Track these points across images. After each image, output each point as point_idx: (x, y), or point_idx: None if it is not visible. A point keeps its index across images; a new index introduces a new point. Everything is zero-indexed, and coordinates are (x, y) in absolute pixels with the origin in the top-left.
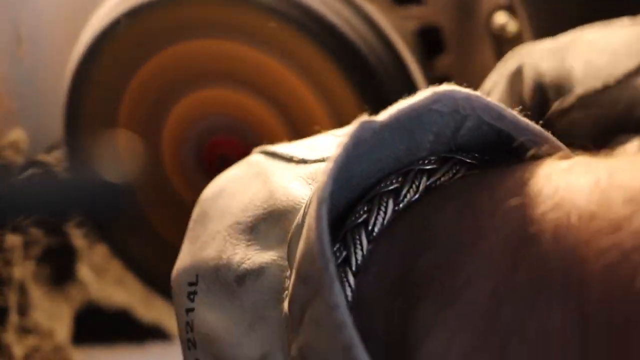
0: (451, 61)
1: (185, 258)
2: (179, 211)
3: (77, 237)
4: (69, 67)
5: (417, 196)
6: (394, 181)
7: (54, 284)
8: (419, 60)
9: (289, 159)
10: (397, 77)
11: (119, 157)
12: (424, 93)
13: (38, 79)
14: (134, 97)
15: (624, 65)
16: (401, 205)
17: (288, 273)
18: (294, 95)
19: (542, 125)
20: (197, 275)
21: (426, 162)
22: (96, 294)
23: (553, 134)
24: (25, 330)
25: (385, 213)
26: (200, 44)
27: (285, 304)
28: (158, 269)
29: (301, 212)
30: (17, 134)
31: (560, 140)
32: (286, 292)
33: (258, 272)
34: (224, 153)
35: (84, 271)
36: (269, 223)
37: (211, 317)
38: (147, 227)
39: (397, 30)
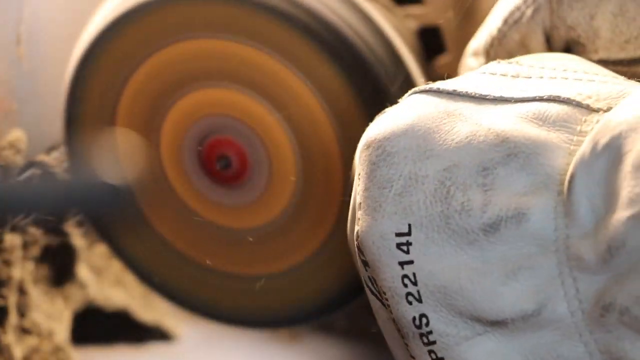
0: (451, 61)
1: (377, 208)
2: (178, 211)
3: (77, 237)
4: (68, 68)
5: None
6: None
7: (53, 284)
8: (419, 60)
9: (482, 98)
10: (397, 77)
11: (118, 157)
12: None
13: (38, 80)
14: (134, 97)
15: None
16: None
17: (564, 221)
18: (293, 95)
19: None
20: (409, 225)
21: None
22: (96, 294)
23: None
24: (24, 331)
25: None
26: (200, 44)
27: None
28: (158, 269)
29: (579, 154)
30: (17, 135)
31: None
32: (565, 241)
33: (518, 218)
34: (224, 153)
35: (83, 271)
36: (512, 167)
37: (444, 268)
38: (147, 227)
39: (397, 30)
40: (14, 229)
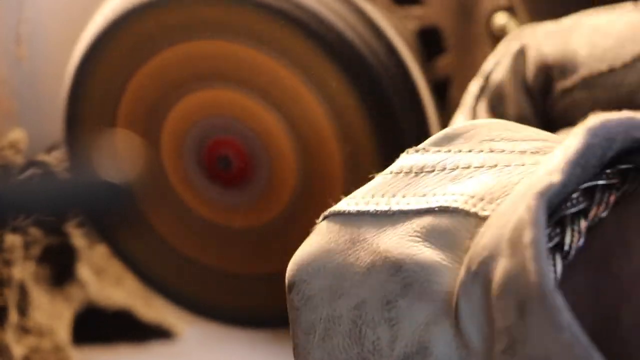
0: (451, 61)
1: (307, 356)
2: (178, 211)
3: (77, 237)
4: (69, 68)
5: (605, 213)
6: (580, 199)
7: (53, 284)
8: (419, 61)
9: (383, 215)
10: (397, 77)
11: (119, 157)
12: (581, 135)
13: (38, 80)
14: (134, 97)
15: (631, 50)
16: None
17: (464, 351)
18: (293, 95)
19: (546, 106)
20: None
21: (604, 176)
22: (96, 294)
23: (555, 113)
24: (24, 330)
25: (579, 233)
26: (200, 45)
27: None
28: (158, 269)
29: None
30: (17, 134)
31: (562, 121)
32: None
33: (422, 354)
34: (224, 153)
35: (84, 271)
36: (410, 298)
37: None
38: (147, 227)
39: (397, 30)
40: (14, 229)
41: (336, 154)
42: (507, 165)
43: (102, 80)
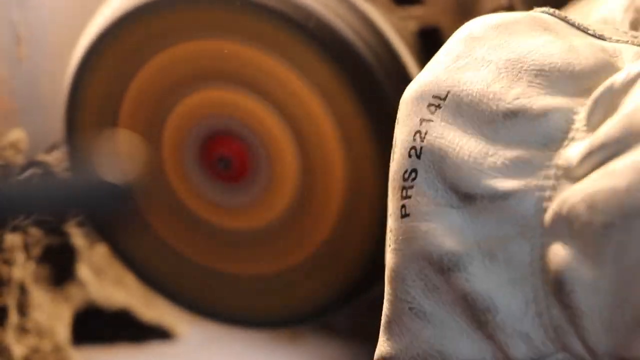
0: None
1: (436, 70)
2: (178, 211)
3: (77, 237)
4: (69, 68)
5: None
6: None
7: (54, 284)
8: (419, 60)
9: (584, 30)
10: (397, 77)
11: (119, 157)
12: None
13: (38, 80)
14: (135, 97)
15: None
16: None
17: (576, 125)
18: (293, 95)
19: None
20: (448, 92)
21: None
22: (96, 294)
23: None
24: (24, 330)
25: None
26: (200, 45)
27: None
28: (158, 269)
29: (621, 78)
30: (17, 134)
31: None
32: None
33: (537, 113)
34: (224, 153)
35: (84, 271)
36: (566, 76)
37: (454, 136)
38: (147, 227)
39: (397, 30)
40: (14, 229)
41: (336, 154)
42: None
43: (102, 81)
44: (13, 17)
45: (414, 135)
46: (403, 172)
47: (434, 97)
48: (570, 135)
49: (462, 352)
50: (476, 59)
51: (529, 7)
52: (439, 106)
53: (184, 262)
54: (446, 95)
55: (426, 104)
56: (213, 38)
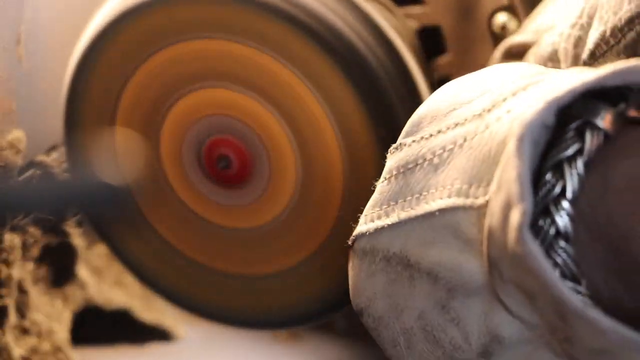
0: (451, 61)
1: None
2: (178, 211)
3: (77, 237)
4: (68, 68)
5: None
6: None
7: (53, 284)
8: (419, 60)
9: (394, 226)
10: (397, 77)
11: (118, 157)
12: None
13: (38, 79)
14: (134, 97)
15: None
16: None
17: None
18: (293, 95)
19: None
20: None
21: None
22: (96, 294)
23: None
24: (24, 331)
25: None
26: (200, 44)
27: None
28: (158, 269)
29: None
30: (17, 135)
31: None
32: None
33: (498, 340)
34: (223, 153)
35: (83, 271)
36: (459, 299)
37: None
38: (147, 227)
39: (397, 30)
40: (13, 228)
41: (336, 154)
42: (474, 136)
43: (101, 81)
44: (13, 16)
45: None
46: None
47: None
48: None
49: None
50: (403, 334)
51: (529, 7)
52: None
53: (184, 262)
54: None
55: None
56: (213, 38)
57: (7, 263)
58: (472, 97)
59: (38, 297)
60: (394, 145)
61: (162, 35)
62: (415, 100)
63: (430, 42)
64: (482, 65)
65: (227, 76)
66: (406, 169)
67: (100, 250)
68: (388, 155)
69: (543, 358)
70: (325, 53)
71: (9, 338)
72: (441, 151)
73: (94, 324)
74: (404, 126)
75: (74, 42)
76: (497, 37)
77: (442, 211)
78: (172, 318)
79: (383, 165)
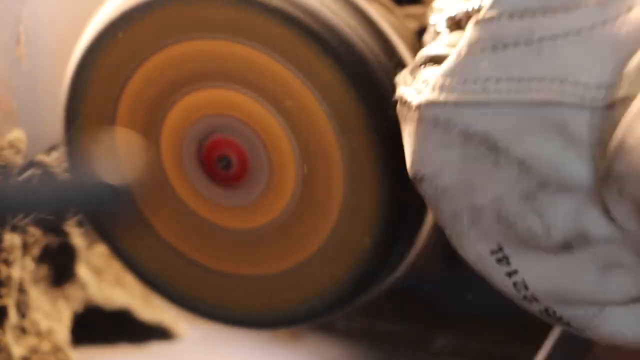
0: None
1: (461, 236)
2: (178, 211)
3: (77, 237)
4: (69, 68)
5: None
6: None
7: (53, 284)
8: None
9: (480, 104)
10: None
11: (118, 157)
12: None
13: (38, 79)
14: (134, 97)
15: None
16: None
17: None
18: (293, 95)
19: None
20: (498, 243)
21: None
22: (96, 294)
23: None
24: (24, 331)
25: None
26: (200, 45)
27: None
28: (158, 269)
29: None
30: (17, 135)
31: None
32: None
33: (583, 236)
34: (223, 153)
35: (83, 271)
36: (550, 193)
37: (546, 273)
38: (147, 227)
39: (397, 30)
40: (14, 229)
41: (336, 154)
42: (591, 27)
43: (102, 80)
44: (13, 16)
45: (516, 287)
46: (539, 312)
47: (492, 252)
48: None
49: None
50: (471, 209)
51: None
52: (506, 257)
53: (184, 262)
54: (500, 246)
55: (494, 261)
56: (213, 38)
57: (7, 263)
58: None
59: (38, 297)
60: (481, 16)
61: (162, 36)
62: None
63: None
64: None
65: (227, 76)
66: (499, 45)
67: (100, 250)
68: (472, 25)
69: (625, 258)
70: (325, 53)
71: (9, 338)
72: (548, 36)
73: (94, 324)
74: None
75: (74, 42)
76: None
77: (548, 104)
78: (172, 317)
79: (383, 165)
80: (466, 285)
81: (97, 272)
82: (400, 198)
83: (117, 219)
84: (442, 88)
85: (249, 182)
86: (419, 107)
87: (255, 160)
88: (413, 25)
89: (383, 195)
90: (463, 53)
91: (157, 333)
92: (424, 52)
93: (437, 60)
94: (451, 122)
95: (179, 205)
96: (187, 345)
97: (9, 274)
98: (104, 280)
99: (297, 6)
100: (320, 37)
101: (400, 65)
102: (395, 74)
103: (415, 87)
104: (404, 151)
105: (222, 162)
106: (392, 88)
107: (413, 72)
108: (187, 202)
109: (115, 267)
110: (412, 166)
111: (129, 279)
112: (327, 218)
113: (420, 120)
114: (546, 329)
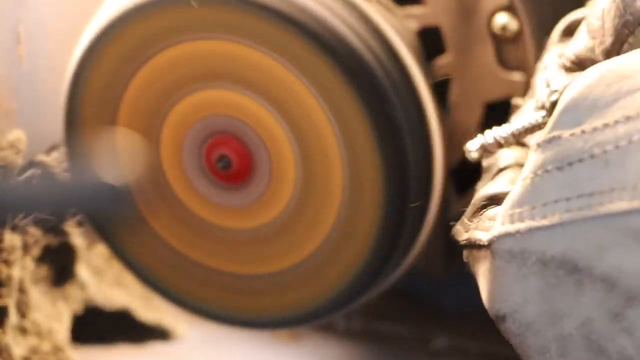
0: (451, 61)
1: None
2: (178, 211)
3: (77, 237)
4: (69, 68)
5: None
6: None
7: (53, 284)
8: (419, 60)
9: (555, 226)
10: (397, 77)
11: (118, 157)
12: None
13: (38, 79)
14: (134, 97)
15: None
16: None
17: None
18: (293, 95)
19: None
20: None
21: None
22: (96, 294)
23: None
24: (24, 331)
25: None
26: (200, 45)
27: None
28: (158, 269)
29: None
30: (17, 135)
31: None
32: None
33: None
34: (223, 153)
35: (83, 271)
36: (637, 307)
37: None
38: (147, 227)
39: (397, 30)
40: (14, 229)
41: (336, 154)
42: None
43: (102, 80)
44: (13, 16)
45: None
46: None
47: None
48: None
49: None
50: (557, 340)
51: (529, 6)
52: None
53: (184, 262)
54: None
55: None
56: (213, 39)
57: (7, 263)
58: (638, 84)
59: (38, 297)
60: (542, 138)
61: (162, 36)
62: (414, 100)
63: (430, 42)
64: (482, 64)
65: (228, 76)
66: (565, 165)
67: (100, 250)
68: (533, 149)
69: None
70: (325, 53)
71: (9, 338)
72: (612, 147)
73: (94, 324)
74: (403, 126)
75: (74, 42)
76: (497, 37)
77: (624, 214)
78: (172, 318)
79: (383, 165)
80: (466, 285)
81: (97, 272)
82: (400, 198)
83: (117, 219)
84: (512, 219)
85: (248, 183)
86: (490, 242)
87: (255, 161)
88: (413, 25)
89: (383, 196)
90: (529, 180)
91: (157, 333)
92: (480, 195)
93: (496, 199)
94: (526, 251)
95: (179, 205)
96: (187, 345)
97: (9, 274)
98: (104, 281)
99: (297, 7)
100: (320, 38)
101: (400, 65)
102: (395, 74)
103: (481, 228)
104: (404, 151)
105: (222, 162)
106: (393, 88)
107: (472, 217)
108: (187, 202)
109: (115, 267)
110: (492, 306)
111: (129, 279)
112: (327, 218)
113: (494, 256)
114: None
